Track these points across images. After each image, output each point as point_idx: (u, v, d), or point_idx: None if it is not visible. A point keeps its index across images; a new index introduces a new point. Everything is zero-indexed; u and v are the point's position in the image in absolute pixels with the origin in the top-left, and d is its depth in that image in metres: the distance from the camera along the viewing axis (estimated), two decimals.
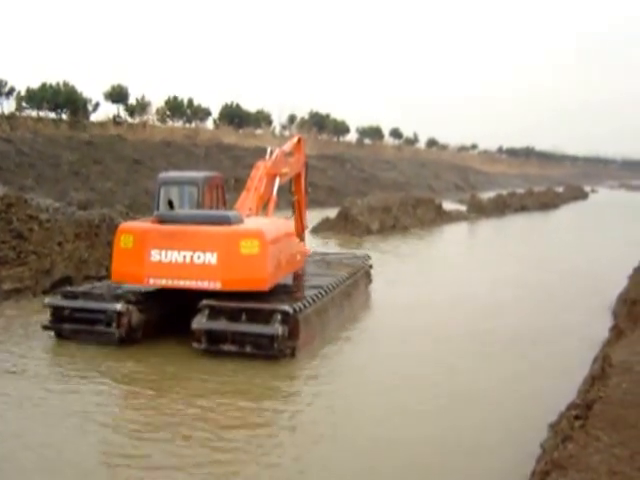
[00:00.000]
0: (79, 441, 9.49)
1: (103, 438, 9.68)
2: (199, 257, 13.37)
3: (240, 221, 14.37)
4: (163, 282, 13.70)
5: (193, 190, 16.30)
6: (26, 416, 10.35)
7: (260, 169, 17.71)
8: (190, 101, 66.95)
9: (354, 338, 15.68)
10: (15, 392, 11.31)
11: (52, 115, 55.73)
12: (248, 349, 13.26)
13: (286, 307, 13.16)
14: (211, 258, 13.34)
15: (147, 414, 10.66)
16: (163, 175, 17.27)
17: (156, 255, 13.44)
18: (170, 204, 15.93)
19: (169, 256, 13.41)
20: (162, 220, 14.14)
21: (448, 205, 51.69)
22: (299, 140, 20.88)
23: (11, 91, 53.01)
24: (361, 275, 20.27)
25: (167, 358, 13.54)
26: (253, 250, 13.42)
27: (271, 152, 18.66)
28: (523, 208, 59.22)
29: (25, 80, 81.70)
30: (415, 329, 16.31)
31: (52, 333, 14.54)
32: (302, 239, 20.17)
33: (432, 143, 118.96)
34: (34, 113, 54.77)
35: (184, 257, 13.38)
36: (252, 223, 14.69)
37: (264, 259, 13.58)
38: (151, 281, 13.72)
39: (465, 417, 10.90)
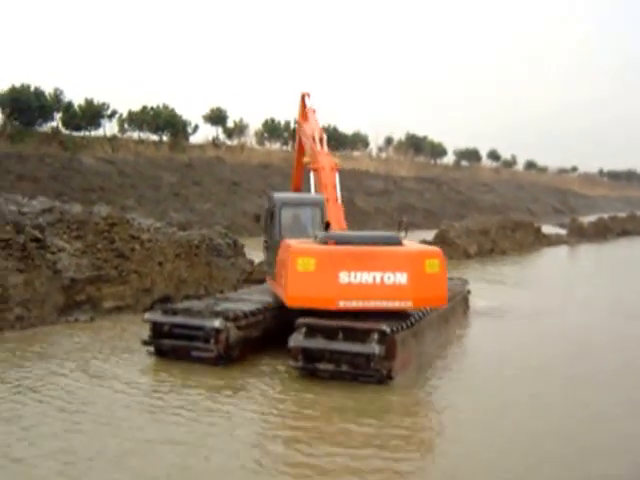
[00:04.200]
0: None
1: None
2: (389, 278, 13.30)
3: (402, 242, 14.47)
4: (354, 304, 13.41)
5: (316, 211, 16.21)
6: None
7: (327, 170, 17.33)
8: (287, 123, 67.72)
9: (453, 365, 15.28)
10: (120, 413, 11.42)
11: (153, 137, 57.08)
12: (344, 368, 13.16)
13: (384, 326, 12.99)
14: (401, 278, 13.31)
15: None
16: (282, 196, 16.85)
17: (345, 277, 13.27)
18: (327, 226, 15.79)
19: (359, 278, 13.27)
20: (337, 241, 13.95)
21: (547, 229, 50.75)
22: (302, 97, 20.86)
23: (113, 113, 54.60)
24: (459, 300, 19.90)
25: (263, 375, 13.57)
26: (435, 269, 13.52)
27: (320, 140, 18.35)
28: (625, 232, 57.58)
29: (127, 103, 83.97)
30: (516, 356, 15.79)
31: (151, 349, 14.74)
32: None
33: (530, 165, 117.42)
34: (135, 135, 56.21)
35: (374, 278, 13.29)
36: (418, 244, 15.07)
37: (444, 277, 13.79)
38: (341, 304, 13.39)
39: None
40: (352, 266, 13.26)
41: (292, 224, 16.25)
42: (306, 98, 21.01)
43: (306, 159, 18.68)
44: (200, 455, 9.49)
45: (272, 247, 16.19)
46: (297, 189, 22.37)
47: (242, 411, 11.44)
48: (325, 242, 13.80)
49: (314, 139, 18.65)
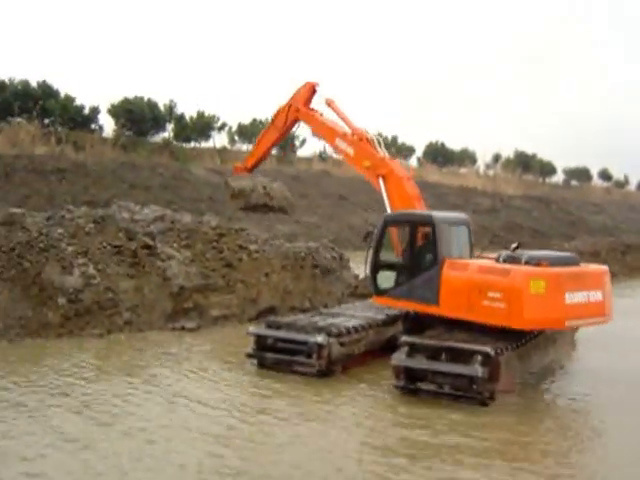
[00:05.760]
0: None
1: None
2: (593, 296, 13.92)
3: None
4: (574, 323, 14.32)
5: (466, 230, 15.83)
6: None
7: (404, 179, 17.13)
8: (394, 139, 67.57)
9: (560, 387, 14.94)
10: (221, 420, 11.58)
11: None
12: (446, 389, 13.04)
13: (487, 348, 12.82)
14: (600, 296, 14.04)
15: None
16: (439, 215, 15.59)
17: (569, 298, 13.62)
18: (517, 246, 15.73)
19: (576, 297, 13.71)
20: (550, 263, 14.04)
21: None
22: (311, 87, 19.65)
23: (223, 126, 55.56)
24: None
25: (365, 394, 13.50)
26: (609, 286, 14.51)
27: (378, 142, 18.06)
28: None
29: (236, 116, 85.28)
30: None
31: (255, 361, 14.91)
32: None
33: None
34: (244, 147, 57.06)
35: (584, 297, 13.81)
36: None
37: (612, 293, 14.69)
38: (567, 323, 14.10)
39: None
40: (573, 286, 13.68)
41: (448, 243, 15.37)
42: (317, 87, 19.66)
43: (366, 163, 18.02)
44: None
45: (418, 267, 15.09)
46: (257, 164, 21.98)
47: (349, 424, 11.47)
48: (537, 264, 13.79)
49: (361, 139, 18.10)
